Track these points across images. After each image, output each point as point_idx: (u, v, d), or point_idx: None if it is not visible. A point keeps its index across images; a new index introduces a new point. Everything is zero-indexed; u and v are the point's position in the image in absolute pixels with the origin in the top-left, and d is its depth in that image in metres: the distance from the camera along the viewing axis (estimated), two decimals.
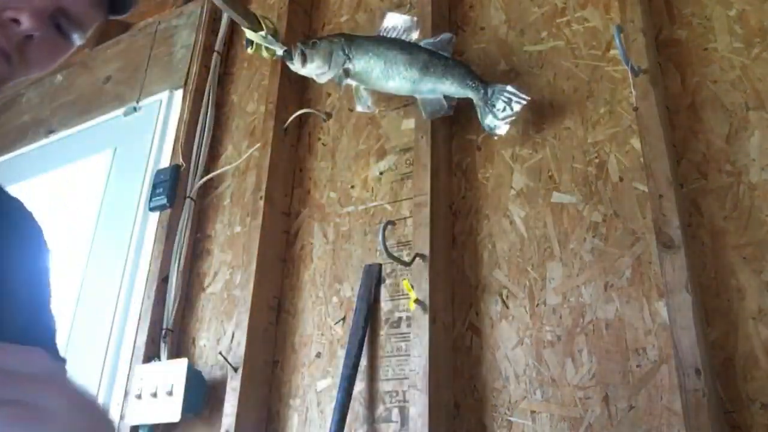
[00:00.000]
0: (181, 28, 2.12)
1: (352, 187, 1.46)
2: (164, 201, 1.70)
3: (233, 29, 1.94)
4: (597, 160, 1.17)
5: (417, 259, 1.19)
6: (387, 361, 1.24)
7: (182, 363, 1.41)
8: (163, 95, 2.00)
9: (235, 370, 1.32)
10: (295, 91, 1.66)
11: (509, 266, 1.19)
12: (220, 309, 1.54)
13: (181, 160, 1.75)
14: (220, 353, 1.41)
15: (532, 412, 1.07)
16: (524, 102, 1.21)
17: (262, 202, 1.48)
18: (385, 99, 1.47)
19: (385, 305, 1.29)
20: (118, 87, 2.20)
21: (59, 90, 2.43)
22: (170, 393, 1.38)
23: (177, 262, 1.62)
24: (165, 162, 1.83)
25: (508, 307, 1.16)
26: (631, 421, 0.98)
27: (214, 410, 1.39)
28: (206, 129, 1.79)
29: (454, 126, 1.37)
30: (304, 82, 1.65)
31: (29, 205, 0.73)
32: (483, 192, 1.28)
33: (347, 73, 1.34)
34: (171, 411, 1.37)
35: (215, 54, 1.90)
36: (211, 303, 1.57)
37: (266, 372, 1.38)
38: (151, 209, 1.74)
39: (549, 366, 1.08)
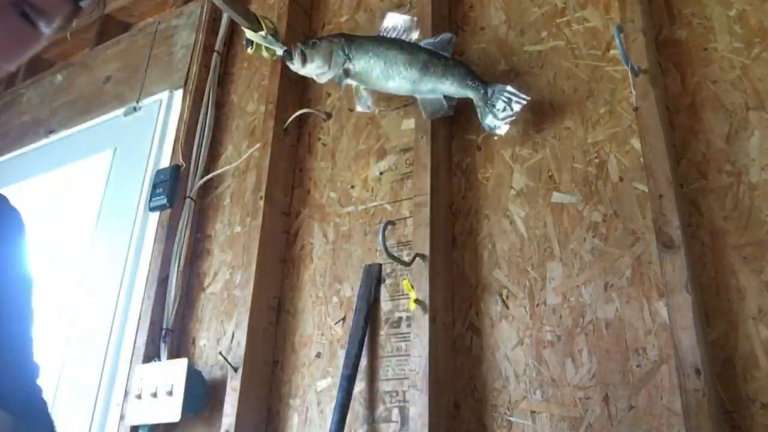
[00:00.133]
0: (181, 28, 2.12)
1: (352, 187, 1.46)
2: (164, 201, 1.70)
3: (233, 29, 1.94)
4: (597, 160, 1.17)
5: (417, 259, 1.19)
6: (387, 361, 1.24)
7: (182, 363, 1.41)
8: (163, 95, 2.00)
9: (235, 370, 1.32)
10: (295, 91, 1.66)
11: (509, 266, 1.19)
12: (220, 309, 1.54)
13: (181, 160, 1.75)
14: (220, 353, 1.41)
15: (532, 412, 1.07)
16: (524, 102, 1.21)
17: (262, 202, 1.48)
18: (385, 99, 1.47)
19: (385, 305, 1.29)
20: (118, 87, 2.20)
21: (59, 90, 2.43)
22: (170, 393, 1.38)
23: (177, 262, 1.62)
24: (165, 162, 1.83)
25: (508, 307, 1.16)
26: (631, 421, 0.98)
27: (214, 410, 1.39)
28: (206, 129, 1.79)
29: (454, 126, 1.37)
30: (304, 82, 1.65)
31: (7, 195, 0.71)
32: (483, 192, 1.28)
33: (347, 73, 1.34)
34: (171, 411, 1.37)
35: (215, 54, 1.90)
36: (211, 303, 1.57)
37: (266, 372, 1.38)
38: (151, 209, 1.74)
39: (549, 366, 1.08)
